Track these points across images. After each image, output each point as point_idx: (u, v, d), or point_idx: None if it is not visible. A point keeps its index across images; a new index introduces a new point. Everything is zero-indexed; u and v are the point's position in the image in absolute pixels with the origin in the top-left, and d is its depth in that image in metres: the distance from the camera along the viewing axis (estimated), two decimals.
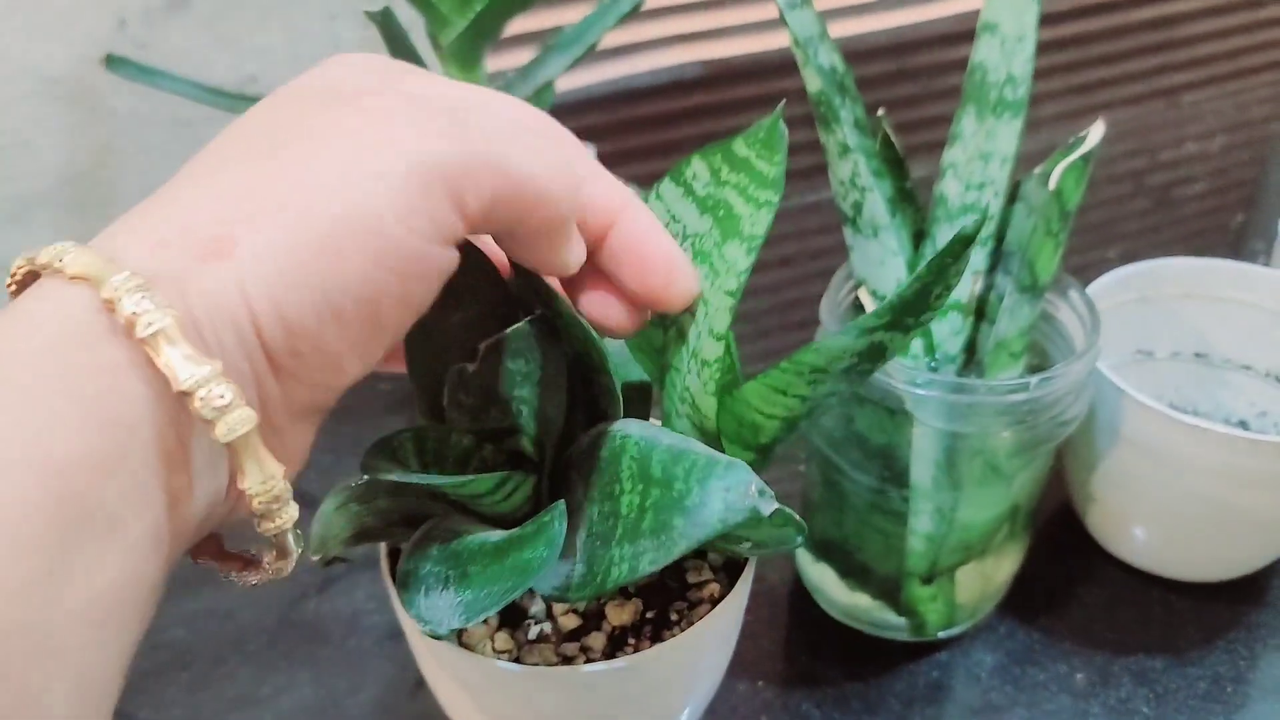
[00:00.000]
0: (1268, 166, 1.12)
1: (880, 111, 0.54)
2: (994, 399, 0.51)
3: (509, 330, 0.41)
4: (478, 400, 0.42)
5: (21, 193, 0.74)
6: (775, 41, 1.00)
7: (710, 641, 0.47)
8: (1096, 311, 0.55)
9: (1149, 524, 0.63)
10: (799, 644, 0.62)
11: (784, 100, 0.44)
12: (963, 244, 0.36)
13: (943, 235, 0.54)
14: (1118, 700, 0.59)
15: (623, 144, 0.99)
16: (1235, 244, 0.99)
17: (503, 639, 0.46)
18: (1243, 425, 0.69)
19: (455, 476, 0.41)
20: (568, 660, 0.45)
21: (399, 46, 0.62)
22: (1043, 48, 0.51)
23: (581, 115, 0.96)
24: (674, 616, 0.47)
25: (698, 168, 0.43)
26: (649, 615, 0.47)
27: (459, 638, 0.46)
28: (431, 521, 0.42)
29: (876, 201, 0.52)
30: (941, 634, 0.61)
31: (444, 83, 0.36)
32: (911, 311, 0.38)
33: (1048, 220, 0.51)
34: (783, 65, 0.99)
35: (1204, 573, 0.65)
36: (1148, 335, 0.69)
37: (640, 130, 1.00)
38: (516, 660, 0.45)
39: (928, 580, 0.58)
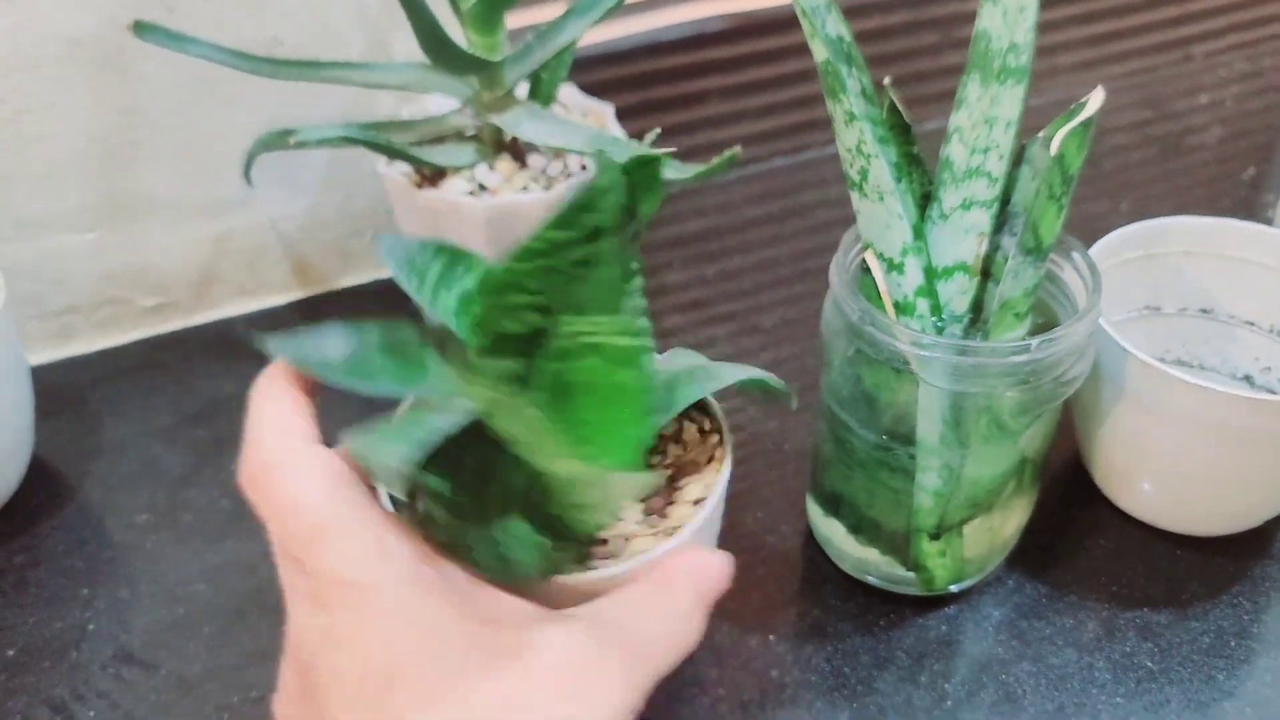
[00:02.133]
0: None
1: (887, 80, 0.55)
2: (997, 360, 0.52)
3: None
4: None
5: (50, 154, 0.75)
6: None
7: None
8: (1098, 273, 0.56)
9: (1155, 479, 0.64)
10: (810, 598, 0.64)
11: None
12: None
13: (949, 198, 0.55)
14: (1122, 654, 0.60)
15: (646, 96, 1.00)
16: (1247, 197, 0.99)
17: None
18: (1248, 380, 0.70)
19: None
20: None
21: (418, 14, 0.63)
22: None
23: (605, 68, 0.97)
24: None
25: None
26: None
27: None
28: None
29: (882, 168, 0.53)
30: (952, 588, 0.63)
31: None
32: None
33: (1050, 185, 0.52)
34: None
35: (1210, 527, 0.66)
36: (1154, 291, 0.70)
37: (664, 82, 1.01)
38: None
39: (935, 536, 0.59)
